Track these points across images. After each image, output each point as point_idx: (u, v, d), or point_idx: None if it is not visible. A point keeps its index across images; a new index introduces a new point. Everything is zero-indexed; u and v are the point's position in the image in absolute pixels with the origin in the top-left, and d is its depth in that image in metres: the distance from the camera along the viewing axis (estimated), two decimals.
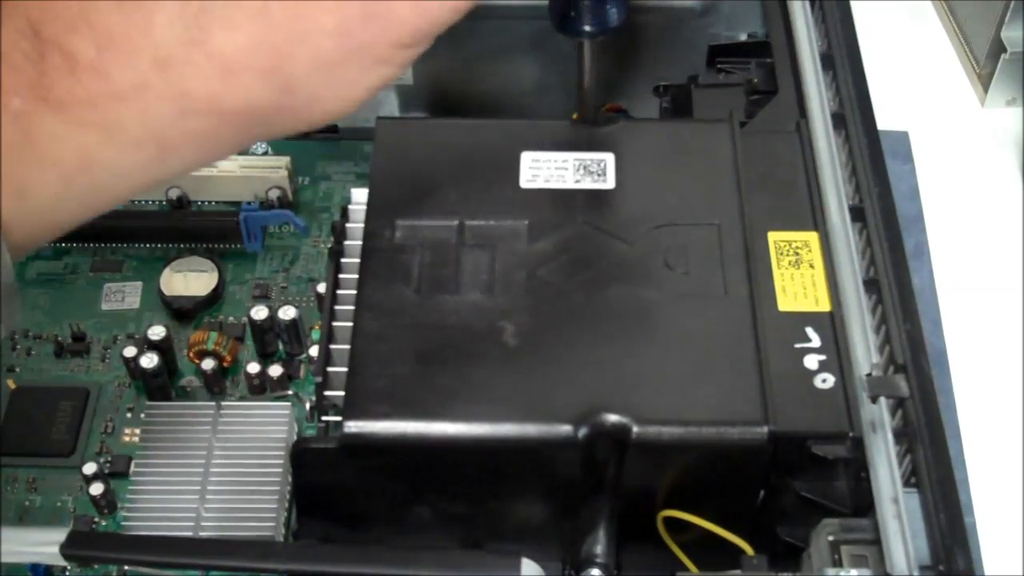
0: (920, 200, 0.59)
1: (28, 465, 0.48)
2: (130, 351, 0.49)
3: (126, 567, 0.44)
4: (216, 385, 0.50)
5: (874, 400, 0.38)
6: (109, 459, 0.48)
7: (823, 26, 0.52)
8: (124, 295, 0.54)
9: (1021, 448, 0.52)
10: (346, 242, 0.45)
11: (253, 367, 0.49)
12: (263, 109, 0.27)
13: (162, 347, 0.49)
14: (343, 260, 0.44)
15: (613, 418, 0.38)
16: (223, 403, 0.47)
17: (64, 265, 0.55)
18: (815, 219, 0.45)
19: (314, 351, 0.46)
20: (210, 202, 0.56)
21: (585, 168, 0.46)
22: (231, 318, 0.53)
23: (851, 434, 0.38)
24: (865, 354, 0.40)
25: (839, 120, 0.47)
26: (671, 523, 0.41)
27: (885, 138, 0.47)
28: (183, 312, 0.52)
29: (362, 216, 0.45)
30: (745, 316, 0.41)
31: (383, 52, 0.27)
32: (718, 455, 0.39)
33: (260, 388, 0.50)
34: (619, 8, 0.43)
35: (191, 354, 0.51)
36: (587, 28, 0.43)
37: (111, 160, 0.27)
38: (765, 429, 0.38)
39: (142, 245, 0.55)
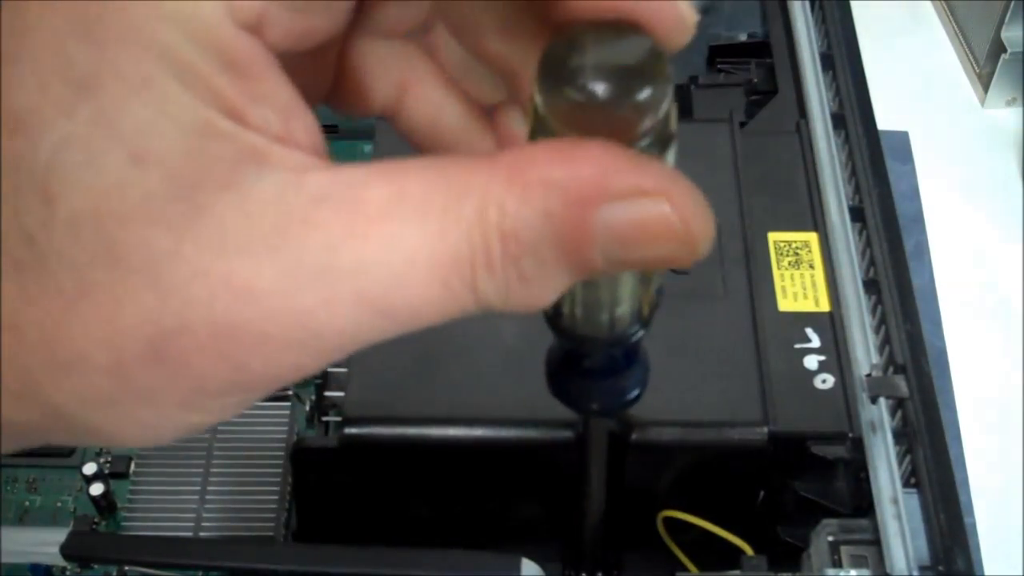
0: (920, 200, 0.59)
1: (28, 465, 0.48)
2: None
3: (126, 567, 0.44)
4: None
5: (874, 400, 0.38)
6: (109, 459, 0.48)
7: (823, 26, 0.52)
8: None
9: (1021, 448, 0.52)
10: None
11: None
12: (30, 428, 0.20)
13: None
14: None
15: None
16: None
17: None
18: (815, 219, 0.45)
19: None
20: None
21: None
22: None
23: (851, 434, 0.38)
24: (865, 354, 0.40)
25: (839, 120, 0.47)
26: (671, 523, 0.41)
27: (885, 138, 0.47)
28: None
29: None
30: (745, 316, 0.41)
31: (181, 398, 0.20)
32: (718, 455, 0.39)
33: None
34: (637, 380, 0.30)
35: None
36: (595, 406, 0.32)
37: None
38: (765, 429, 0.38)
39: None
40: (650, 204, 0.19)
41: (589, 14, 0.20)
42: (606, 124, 0.19)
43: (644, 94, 0.19)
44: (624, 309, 0.25)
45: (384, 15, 0.23)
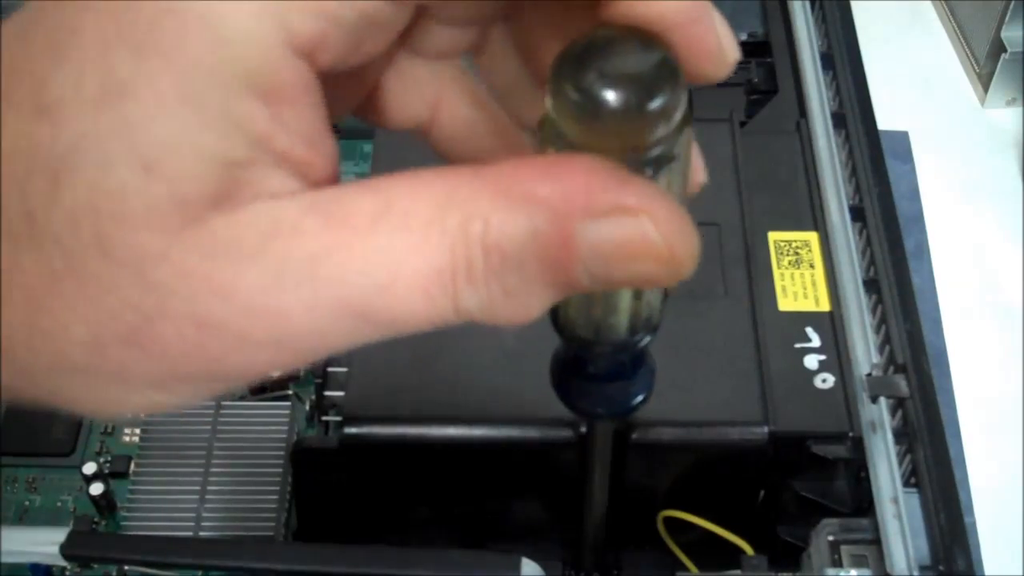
0: (920, 200, 0.59)
1: (28, 465, 0.48)
2: None
3: (126, 567, 0.44)
4: None
5: (874, 400, 0.38)
6: (109, 459, 0.48)
7: (823, 26, 0.52)
8: None
9: (1021, 448, 0.52)
10: None
11: None
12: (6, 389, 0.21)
13: None
14: None
15: None
16: (223, 403, 0.47)
17: None
18: (815, 219, 0.45)
19: None
20: None
21: None
22: None
23: (851, 434, 0.38)
24: (865, 354, 0.40)
25: (839, 120, 0.47)
26: (671, 523, 0.41)
27: (885, 138, 0.47)
28: None
29: None
30: (745, 316, 0.41)
31: (153, 380, 0.20)
32: (718, 455, 0.39)
33: (260, 388, 0.50)
34: (643, 384, 0.29)
35: None
36: (600, 410, 0.31)
37: None
38: (765, 429, 0.38)
39: None
40: (632, 223, 0.19)
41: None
42: (611, 131, 0.19)
43: (652, 104, 0.19)
44: (620, 318, 0.25)
45: (430, 38, 0.23)
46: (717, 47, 0.20)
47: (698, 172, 0.23)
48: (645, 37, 0.20)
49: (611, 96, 0.19)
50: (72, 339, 0.19)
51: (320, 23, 0.19)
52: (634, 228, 0.19)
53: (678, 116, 0.20)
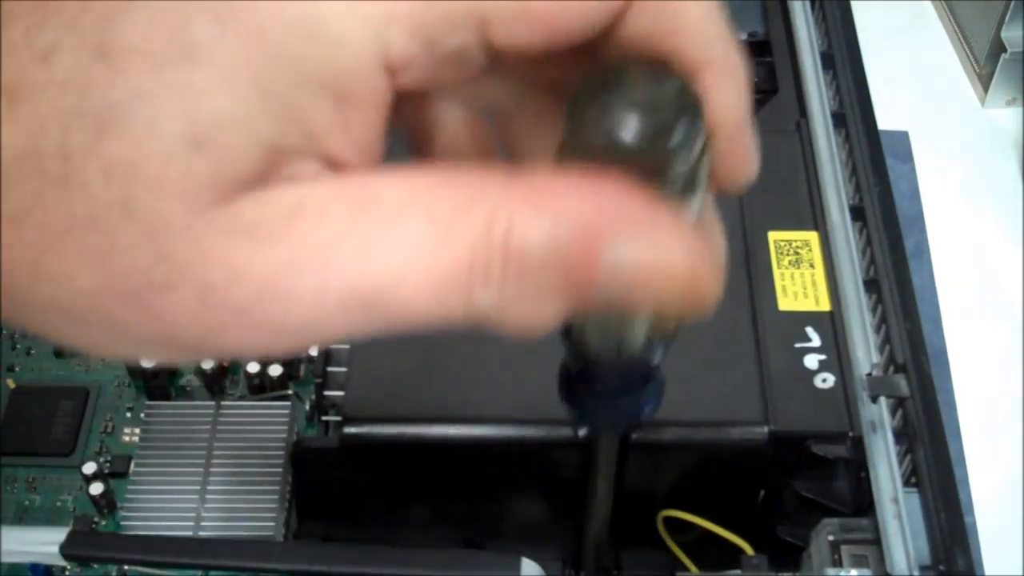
0: (920, 200, 0.59)
1: (28, 465, 0.47)
2: None
3: (126, 567, 0.44)
4: (216, 385, 0.50)
5: (874, 400, 0.38)
6: (109, 459, 0.48)
7: (823, 26, 0.52)
8: None
9: (1021, 448, 0.52)
10: None
11: (253, 366, 0.49)
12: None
13: None
14: None
15: None
16: (223, 403, 0.47)
17: None
18: (815, 219, 0.45)
19: (314, 350, 0.46)
20: None
21: None
22: None
23: (851, 434, 0.38)
24: (865, 354, 0.40)
25: (839, 120, 0.47)
26: (671, 523, 0.41)
27: (885, 138, 0.47)
28: None
29: None
30: (745, 315, 0.41)
31: (144, 338, 0.20)
32: (718, 455, 0.39)
33: (260, 388, 0.50)
34: (652, 397, 0.29)
35: None
36: (608, 423, 0.32)
37: None
38: (765, 429, 0.38)
39: None
40: (659, 249, 0.19)
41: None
42: (631, 163, 0.19)
43: (673, 136, 0.19)
44: (637, 334, 0.24)
45: (483, 88, 0.23)
46: (750, 163, 0.21)
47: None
48: (662, 66, 0.20)
49: (632, 129, 0.19)
50: (75, 286, 0.19)
51: (416, 47, 0.19)
52: (660, 255, 0.19)
53: (699, 145, 0.19)
